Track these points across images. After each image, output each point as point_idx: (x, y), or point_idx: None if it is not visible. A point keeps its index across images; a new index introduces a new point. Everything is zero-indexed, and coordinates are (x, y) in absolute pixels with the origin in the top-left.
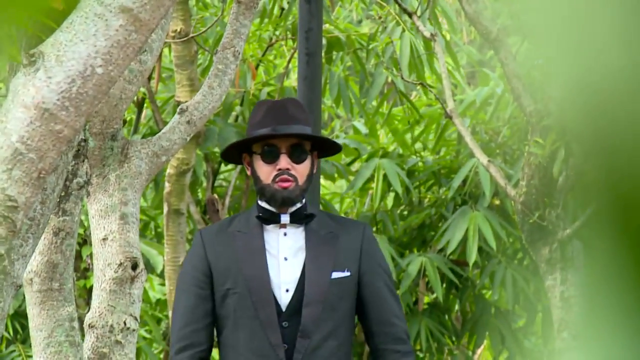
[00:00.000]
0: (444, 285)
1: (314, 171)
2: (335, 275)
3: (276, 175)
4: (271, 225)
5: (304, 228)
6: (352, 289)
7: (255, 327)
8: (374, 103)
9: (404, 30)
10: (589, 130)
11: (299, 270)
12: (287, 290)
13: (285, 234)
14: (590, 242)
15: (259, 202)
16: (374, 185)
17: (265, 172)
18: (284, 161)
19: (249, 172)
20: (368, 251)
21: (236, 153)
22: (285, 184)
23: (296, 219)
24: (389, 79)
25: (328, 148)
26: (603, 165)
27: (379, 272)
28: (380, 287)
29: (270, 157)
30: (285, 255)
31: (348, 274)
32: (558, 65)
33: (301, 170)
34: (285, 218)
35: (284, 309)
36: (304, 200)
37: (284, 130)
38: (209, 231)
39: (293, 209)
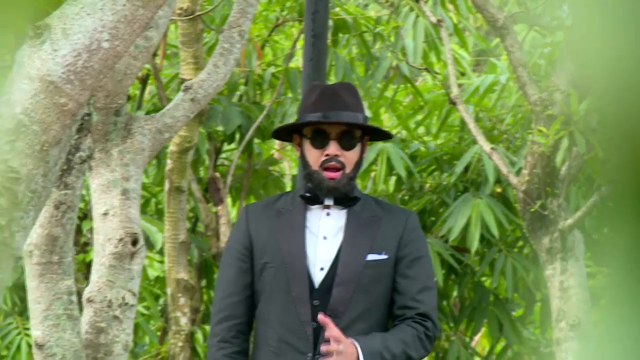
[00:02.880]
0: (443, 271)
1: (364, 157)
2: (370, 257)
3: (324, 161)
4: (315, 205)
5: (347, 210)
6: (388, 272)
7: (288, 302)
8: (379, 85)
9: (417, 16)
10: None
11: (335, 250)
12: (321, 269)
13: (328, 214)
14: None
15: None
16: (376, 168)
17: (314, 156)
18: (333, 147)
19: (298, 153)
20: (408, 240)
21: (286, 131)
22: (333, 174)
23: (340, 201)
24: (394, 63)
25: (379, 133)
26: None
27: (413, 261)
28: (412, 277)
29: (320, 143)
30: (324, 234)
31: (385, 257)
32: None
33: (350, 157)
34: (329, 200)
35: (316, 286)
36: (351, 185)
37: (334, 117)
38: (254, 206)
39: None
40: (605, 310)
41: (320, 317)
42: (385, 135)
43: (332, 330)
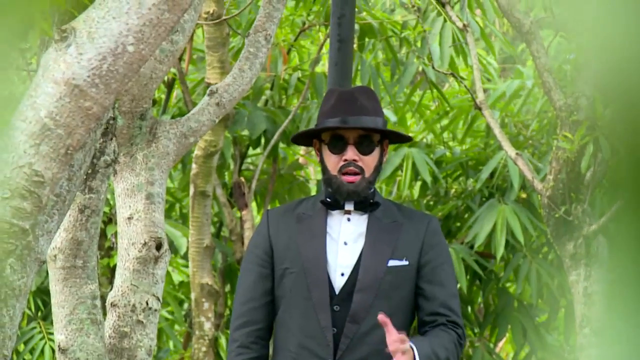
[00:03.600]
0: (468, 276)
1: (384, 160)
2: (392, 263)
3: (342, 166)
4: (336, 211)
5: (368, 215)
6: (409, 278)
7: (308, 308)
8: (406, 90)
9: (445, 21)
10: (623, 120)
11: (356, 256)
12: (342, 274)
13: (349, 220)
14: (618, 237)
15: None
16: (401, 173)
17: (332, 162)
18: (350, 152)
19: (317, 159)
20: (430, 244)
21: (307, 137)
22: (351, 178)
23: (361, 207)
24: (420, 68)
25: (398, 136)
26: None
27: (437, 267)
28: (439, 283)
29: (338, 148)
30: (345, 239)
31: (406, 263)
32: (591, 55)
33: (368, 162)
34: (349, 205)
35: (337, 292)
36: (370, 189)
37: (352, 122)
38: (275, 212)
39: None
40: (623, 314)
41: (381, 317)
42: (405, 139)
43: (392, 332)
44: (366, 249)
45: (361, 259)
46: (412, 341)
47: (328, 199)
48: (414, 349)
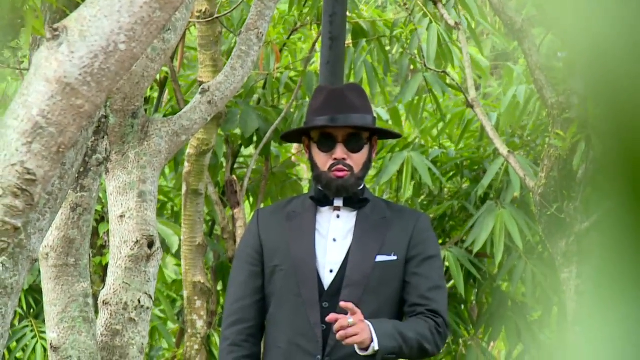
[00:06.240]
0: (462, 274)
1: (373, 157)
2: (380, 258)
3: (332, 165)
4: (326, 207)
5: (357, 212)
6: (397, 273)
7: (298, 305)
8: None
9: (431, 22)
10: (610, 120)
11: (345, 252)
12: (331, 271)
13: (338, 216)
14: (606, 234)
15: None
16: (398, 175)
17: (322, 160)
18: (340, 151)
19: (307, 156)
20: (418, 241)
21: (297, 134)
22: (341, 174)
23: (350, 203)
24: (411, 67)
25: (388, 133)
26: (622, 155)
27: (424, 263)
28: (422, 275)
29: (327, 146)
30: (334, 236)
31: (394, 258)
32: (579, 55)
33: (357, 160)
34: (338, 201)
35: (326, 289)
36: (360, 186)
37: (341, 121)
38: (265, 210)
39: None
40: (610, 311)
41: (343, 303)
42: (394, 136)
43: (347, 304)
44: (354, 246)
45: (349, 255)
46: (371, 320)
47: (317, 196)
48: (370, 327)
